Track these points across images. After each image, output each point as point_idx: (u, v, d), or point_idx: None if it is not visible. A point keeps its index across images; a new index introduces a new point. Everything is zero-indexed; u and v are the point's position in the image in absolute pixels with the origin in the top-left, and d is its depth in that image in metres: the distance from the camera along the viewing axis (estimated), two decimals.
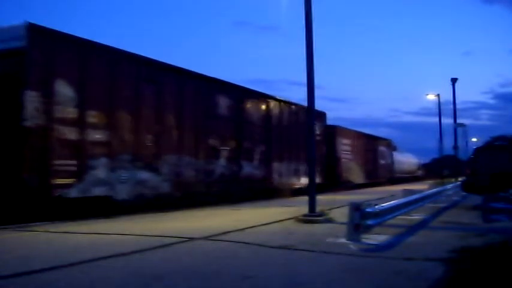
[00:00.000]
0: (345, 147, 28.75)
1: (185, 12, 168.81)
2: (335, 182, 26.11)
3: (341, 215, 9.54)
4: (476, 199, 15.11)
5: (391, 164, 40.08)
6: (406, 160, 48.19)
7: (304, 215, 10.40)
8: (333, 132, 27.09)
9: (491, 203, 12.95)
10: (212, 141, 16.11)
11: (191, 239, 7.71)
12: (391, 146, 40.77)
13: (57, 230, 8.95)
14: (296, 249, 6.68)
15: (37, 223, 9.88)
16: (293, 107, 21.79)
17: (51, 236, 8.36)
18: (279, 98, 21.14)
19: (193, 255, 6.45)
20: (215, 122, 16.25)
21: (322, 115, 25.26)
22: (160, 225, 9.80)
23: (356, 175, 30.38)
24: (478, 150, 15.57)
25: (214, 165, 16.10)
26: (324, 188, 21.16)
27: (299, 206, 11.89)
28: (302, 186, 19.94)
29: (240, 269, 5.44)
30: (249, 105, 18.78)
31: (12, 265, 5.61)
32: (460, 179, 23.88)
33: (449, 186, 18.61)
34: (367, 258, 6.13)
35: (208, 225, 9.77)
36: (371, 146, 34.74)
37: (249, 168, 18.16)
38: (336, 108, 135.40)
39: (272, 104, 20.44)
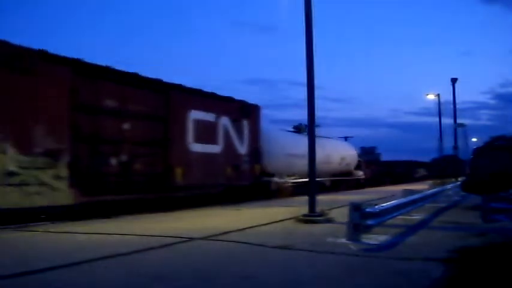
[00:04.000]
0: None
1: (185, 12, 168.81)
2: None
3: (341, 215, 9.52)
4: (476, 199, 15.11)
5: (250, 155, 18.07)
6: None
7: (304, 215, 10.39)
8: None
9: (491, 203, 12.95)
10: None
11: (191, 239, 7.70)
12: (253, 118, 18.55)
13: (57, 230, 8.95)
14: (296, 249, 6.68)
15: (37, 223, 9.89)
16: None
17: (51, 236, 8.36)
18: None
19: (193, 255, 6.45)
20: None
21: None
22: (160, 225, 9.79)
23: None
24: (478, 150, 15.55)
25: None
26: None
27: (299, 206, 11.88)
28: None
29: (240, 269, 5.44)
30: None
31: (12, 265, 5.61)
32: (460, 179, 23.86)
33: (449, 186, 18.59)
34: (367, 258, 6.13)
35: (208, 225, 9.77)
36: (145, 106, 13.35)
37: None
38: (336, 109, 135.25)
39: None
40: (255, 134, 18.45)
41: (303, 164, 21.80)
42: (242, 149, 17.51)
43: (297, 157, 21.29)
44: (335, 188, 26.48)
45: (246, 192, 17.31)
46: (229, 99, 17.30)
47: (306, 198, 10.82)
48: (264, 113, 20.31)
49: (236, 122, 17.14)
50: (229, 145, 16.77)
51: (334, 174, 27.47)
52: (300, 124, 26.39)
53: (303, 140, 24.82)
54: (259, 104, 19.23)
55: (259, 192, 18.26)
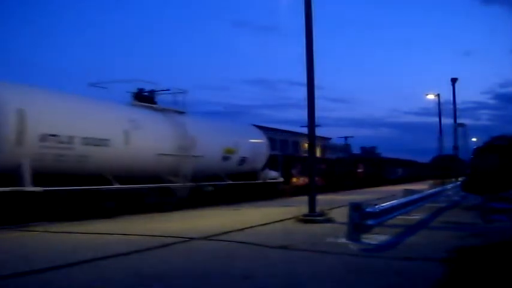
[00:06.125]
0: None
1: (185, 12, 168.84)
2: None
3: (341, 215, 9.53)
4: (476, 199, 15.11)
5: None
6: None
7: (304, 215, 10.40)
8: None
9: (491, 203, 12.94)
10: None
11: (191, 239, 7.71)
12: None
13: (57, 230, 8.96)
14: (296, 249, 6.68)
15: (37, 223, 9.89)
16: None
17: (51, 236, 8.37)
18: None
19: (193, 255, 6.45)
20: None
21: None
22: (160, 225, 9.80)
23: None
24: (478, 150, 15.55)
25: None
26: None
27: (299, 206, 11.88)
28: None
29: (240, 269, 5.43)
30: None
31: (12, 265, 5.62)
32: (460, 178, 23.84)
33: (449, 186, 18.60)
34: (367, 258, 6.13)
35: (208, 225, 9.78)
36: None
37: None
38: (336, 109, 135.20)
39: None
40: None
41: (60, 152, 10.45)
42: None
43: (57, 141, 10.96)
44: (205, 201, 15.37)
45: None
46: None
47: (306, 198, 10.84)
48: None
49: None
50: None
51: (216, 176, 16.96)
52: (141, 89, 15.47)
53: (80, 108, 11.82)
54: None
55: None
